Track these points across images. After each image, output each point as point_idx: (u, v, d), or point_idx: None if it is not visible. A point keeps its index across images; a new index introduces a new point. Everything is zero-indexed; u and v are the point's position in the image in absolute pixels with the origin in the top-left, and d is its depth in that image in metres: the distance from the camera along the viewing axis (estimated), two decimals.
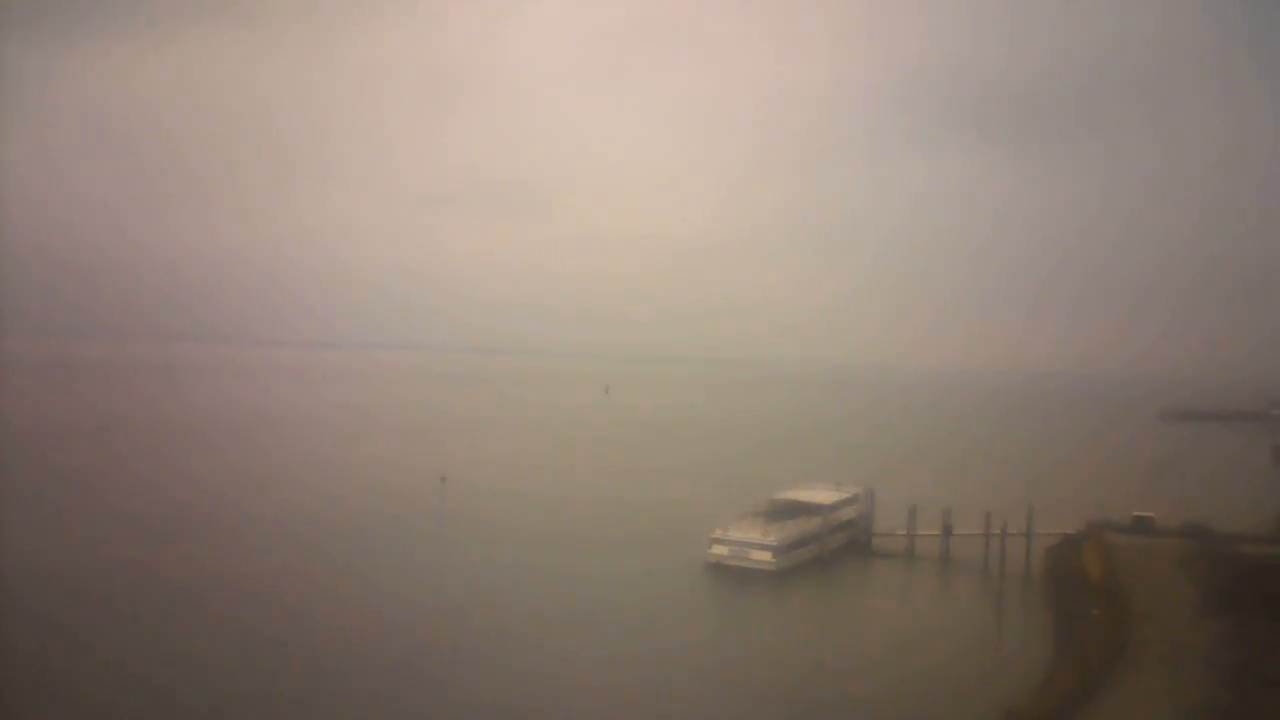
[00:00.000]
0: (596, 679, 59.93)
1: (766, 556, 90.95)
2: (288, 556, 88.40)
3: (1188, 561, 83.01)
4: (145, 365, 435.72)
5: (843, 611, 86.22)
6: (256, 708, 53.84)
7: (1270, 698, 49.19)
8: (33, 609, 69.16)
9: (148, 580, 77.94)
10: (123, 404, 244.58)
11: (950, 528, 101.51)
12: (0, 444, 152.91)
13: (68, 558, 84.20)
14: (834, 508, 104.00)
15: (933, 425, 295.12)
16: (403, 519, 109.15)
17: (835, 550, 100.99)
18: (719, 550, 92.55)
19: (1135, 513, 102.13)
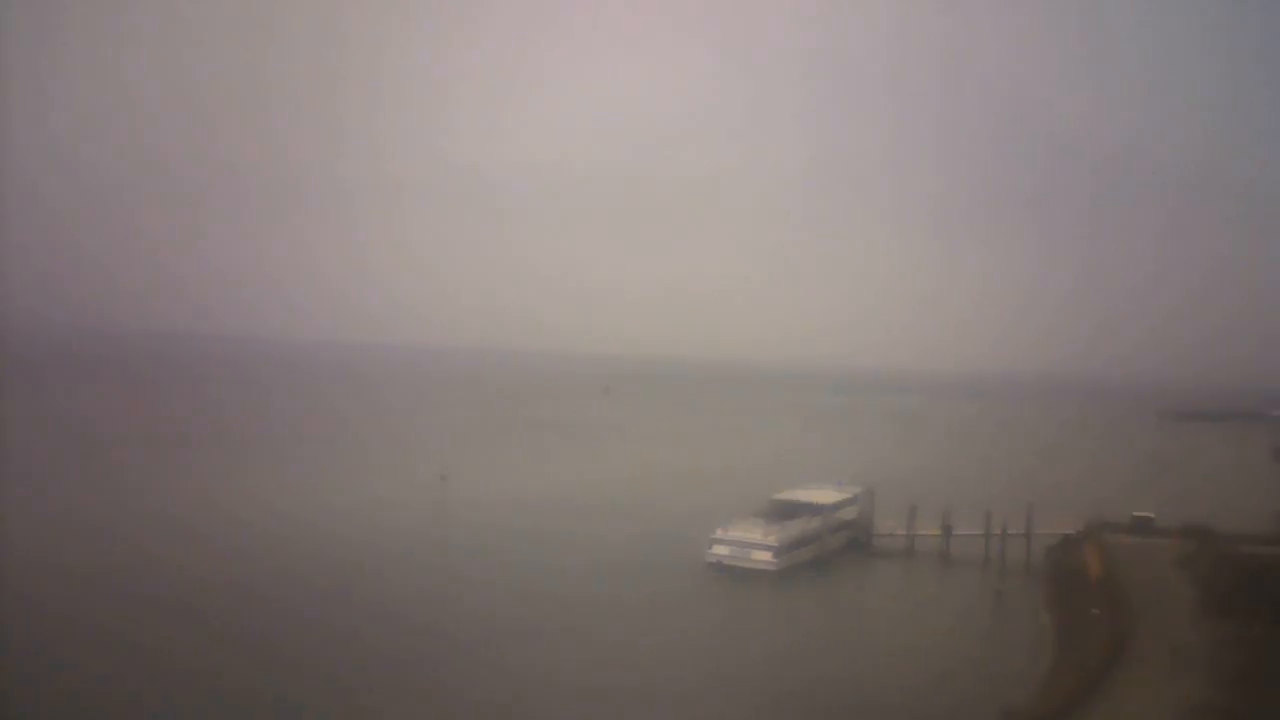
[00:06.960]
0: (596, 678, 60.03)
1: (767, 556, 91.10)
2: (286, 556, 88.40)
3: (1188, 561, 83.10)
4: (144, 364, 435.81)
5: (843, 611, 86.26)
6: (255, 708, 53.89)
7: (1270, 698, 49.22)
8: (33, 610, 69.12)
9: (148, 580, 78.01)
10: (122, 403, 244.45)
11: (950, 528, 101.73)
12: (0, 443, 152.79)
13: (68, 558, 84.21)
14: (834, 508, 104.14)
15: (933, 425, 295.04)
16: (402, 518, 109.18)
17: (835, 550, 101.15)
18: (719, 550, 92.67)
19: (1135, 513, 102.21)
